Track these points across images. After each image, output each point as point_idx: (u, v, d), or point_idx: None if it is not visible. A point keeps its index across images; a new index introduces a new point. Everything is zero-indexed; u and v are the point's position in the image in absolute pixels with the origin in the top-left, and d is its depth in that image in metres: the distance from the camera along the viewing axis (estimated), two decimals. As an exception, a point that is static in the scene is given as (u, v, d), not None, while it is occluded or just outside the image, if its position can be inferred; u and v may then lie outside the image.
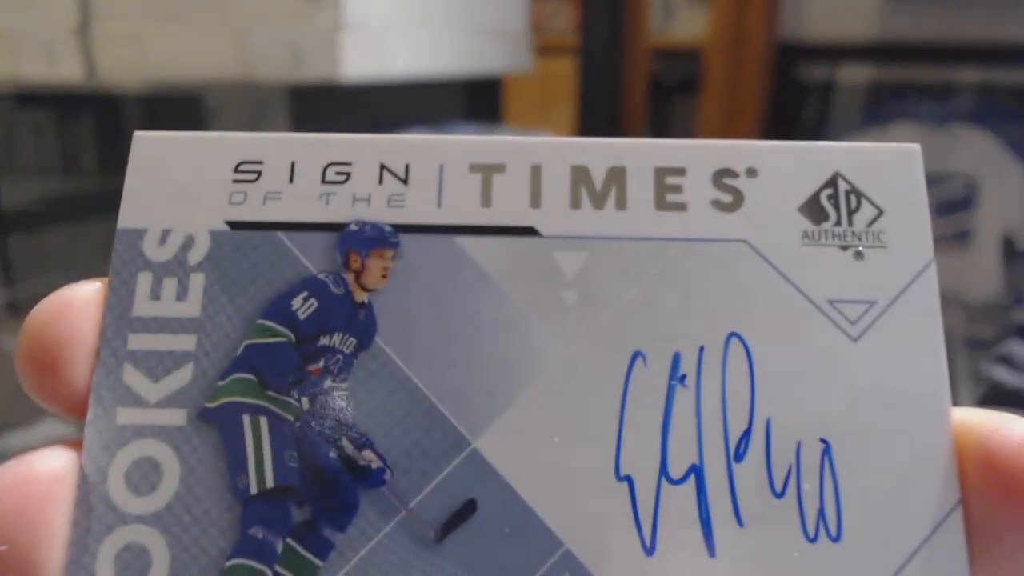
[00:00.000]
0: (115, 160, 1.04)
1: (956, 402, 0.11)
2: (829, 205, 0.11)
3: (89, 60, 0.83)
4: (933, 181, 1.25)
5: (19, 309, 1.05)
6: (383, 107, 0.87)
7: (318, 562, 0.10)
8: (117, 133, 1.03)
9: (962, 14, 1.34)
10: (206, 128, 0.82)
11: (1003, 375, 0.34)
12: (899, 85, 1.42)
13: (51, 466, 0.10)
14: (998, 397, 0.34)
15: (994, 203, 1.37)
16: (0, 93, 1.02)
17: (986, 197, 1.37)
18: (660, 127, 1.77)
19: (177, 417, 0.11)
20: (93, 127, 1.02)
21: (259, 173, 0.12)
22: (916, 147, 0.11)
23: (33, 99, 1.03)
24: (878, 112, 1.43)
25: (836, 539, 0.10)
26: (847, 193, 0.11)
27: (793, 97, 1.48)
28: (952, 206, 1.39)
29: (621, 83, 1.38)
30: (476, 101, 1.02)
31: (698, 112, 1.59)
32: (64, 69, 0.85)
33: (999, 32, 1.32)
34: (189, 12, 0.76)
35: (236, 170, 0.12)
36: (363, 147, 0.12)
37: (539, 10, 1.89)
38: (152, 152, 0.12)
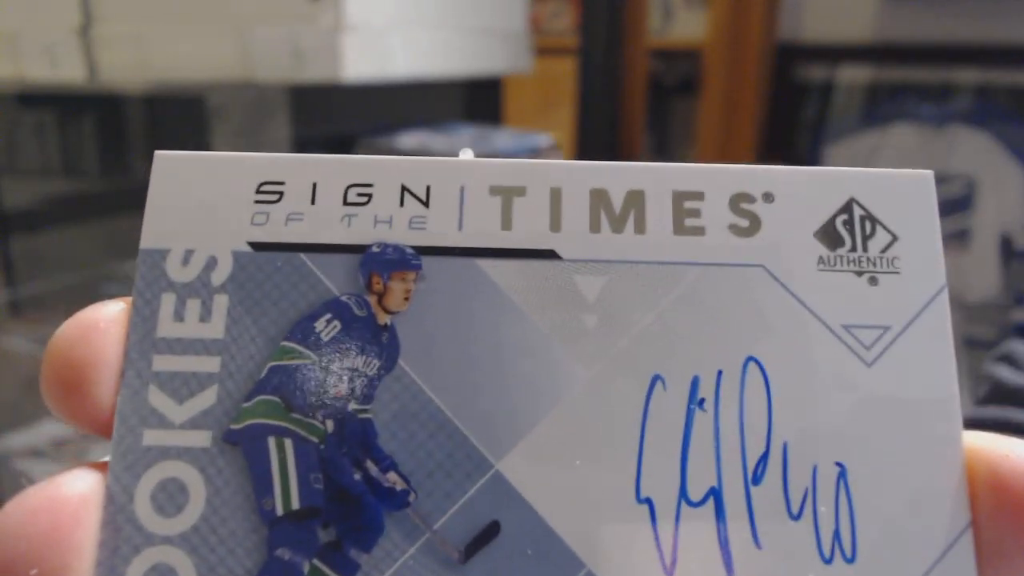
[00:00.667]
0: (116, 161, 1.04)
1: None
2: (844, 231, 0.12)
3: (90, 61, 0.83)
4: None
5: (20, 309, 1.05)
6: (383, 107, 0.87)
7: None
8: (118, 134, 1.03)
9: (960, 16, 1.34)
10: (207, 128, 0.82)
11: (1005, 374, 0.34)
12: (898, 86, 1.42)
13: (78, 488, 0.11)
14: (1000, 396, 0.34)
15: (992, 203, 1.37)
16: (2, 94, 1.02)
17: (984, 197, 1.38)
18: (659, 128, 1.77)
19: (202, 439, 0.11)
20: (94, 128, 1.03)
21: (281, 194, 0.12)
22: (929, 174, 0.12)
23: (35, 100, 1.03)
24: (877, 113, 1.43)
25: (851, 560, 0.10)
26: (862, 219, 0.12)
27: (792, 98, 1.48)
28: (951, 206, 1.39)
29: (621, 84, 1.38)
30: (476, 101, 1.02)
31: (697, 113, 1.60)
32: (66, 70, 0.85)
33: (997, 33, 1.33)
34: (190, 13, 0.77)
35: (258, 191, 0.12)
36: (384, 169, 0.12)
37: (539, 11, 1.90)
38: (173, 171, 0.12)
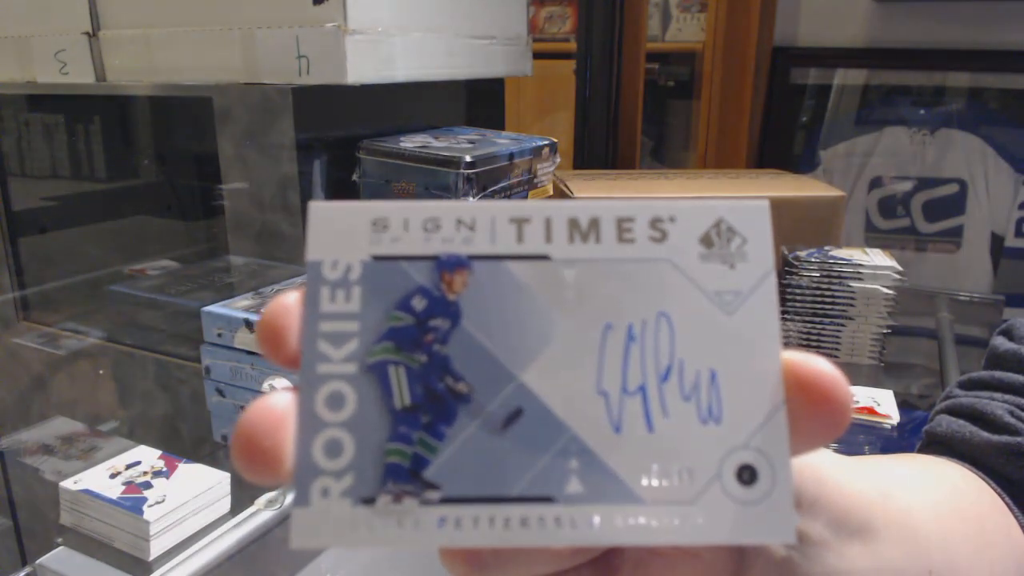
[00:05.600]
0: (124, 163, 1.05)
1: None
2: (716, 237, 0.19)
3: (99, 65, 0.85)
4: (925, 184, 1.26)
5: (29, 309, 1.07)
6: (386, 110, 0.88)
7: (438, 443, 0.18)
8: (126, 136, 1.05)
9: (952, 20, 1.36)
10: (213, 130, 0.83)
11: (998, 341, 0.40)
12: (891, 89, 1.44)
13: (286, 399, 0.18)
14: (993, 360, 0.40)
15: (983, 203, 1.39)
16: (13, 97, 1.04)
17: (976, 197, 1.39)
18: (657, 130, 1.79)
19: (352, 368, 0.18)
20: (103, 130, 1.04)
21: (386, 226, 0.19)
22: (766, 202, 0.19)
23: (45, 103, 1.04)
24: (870, 116, 1.44)
25: (719, 422, 0.18)
26: (727, 230, 0.19)
27: (787, 101, 1.49)
28: (943, 207, 1.40)
29: (619, 87, 1.40)
30: (477, 104, 1.03)
31: (695, 115, 1.61)
32: (75, 74, 0.86)
33: (988, 37, 1.34)
34: (197, 18, 0.78)
35: (372, 224, 0.19)
36: (447, 209, 0.19)
37: (539, 15, 1.91)
38: (321, 212, 0.19)
